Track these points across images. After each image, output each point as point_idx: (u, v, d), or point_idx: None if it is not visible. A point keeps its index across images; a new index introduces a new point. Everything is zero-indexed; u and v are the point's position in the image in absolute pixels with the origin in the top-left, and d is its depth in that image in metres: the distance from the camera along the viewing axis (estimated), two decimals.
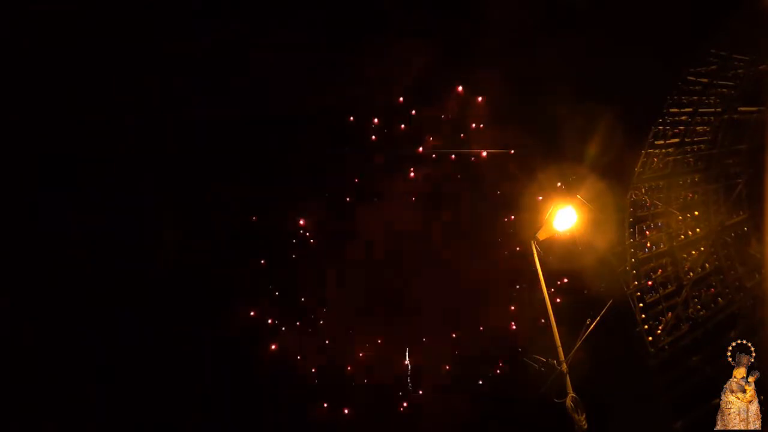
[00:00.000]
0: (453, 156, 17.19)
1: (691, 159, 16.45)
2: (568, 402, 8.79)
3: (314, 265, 17.01)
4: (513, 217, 17.20)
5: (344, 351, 16.65)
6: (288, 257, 16.98)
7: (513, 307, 17.11)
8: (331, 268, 16.99)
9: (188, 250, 15.41)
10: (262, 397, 16.04)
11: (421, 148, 17.07)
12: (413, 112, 16.89)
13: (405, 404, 16.92)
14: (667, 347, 15.82)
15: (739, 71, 15.47)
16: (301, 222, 16.90)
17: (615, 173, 15.83)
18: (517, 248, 16.89)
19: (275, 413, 15.96)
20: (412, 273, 16.97)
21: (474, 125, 16.96)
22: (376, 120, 16.85)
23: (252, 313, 16.38)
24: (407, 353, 17.11)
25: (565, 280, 16.29)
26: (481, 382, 17.00)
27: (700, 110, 15.96)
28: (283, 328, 16.64)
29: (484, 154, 17.04)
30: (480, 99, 16.78)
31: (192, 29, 14.99)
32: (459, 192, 17.44)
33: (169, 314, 15.15)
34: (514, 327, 16.97)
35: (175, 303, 15.25)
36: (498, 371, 17.00)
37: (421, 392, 17.00)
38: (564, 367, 9.06)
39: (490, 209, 17.23)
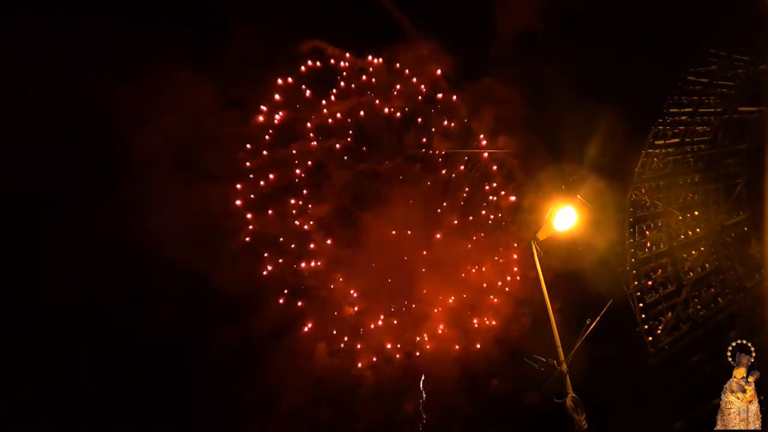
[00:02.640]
0: (454, 156, 17.19)
1: (691, 159, 16.47)
2: (568, 402, 8.78)
3: (320, 266, 16.98)
4: (514, 216, 17.21)
5: (350, 352, 16.64)
6: (299, 258, 16.94)
7: (513, 307, 17.11)
8: (337, 268, 16.97)
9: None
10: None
11: (423, 150, 17.08)
12: (416, 114, 16.90)
13: (408, 404, 16.95)
14: (667, 347, 15.84)
15: (739, 71, 15.50)
16: (311, 223, 16.87)
17: (615, 173, 15.86)
18: (517, 248, 16.91)
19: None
20: (414, 273, 16.99)
21: (477, 127, 16.98)
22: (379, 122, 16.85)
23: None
24: (410, 354, 17.12)
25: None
26: (482, 382, 17.01)
27: (700, 110, 15.98)
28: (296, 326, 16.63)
29: (486, 154, 17.04)
30: (481, 100, 16.79)
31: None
32: (460, 191, 17.45)
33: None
34: (514, 327, 16.97)
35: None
36: (499, 371, 17.00)
37: (423, 392, 17.02)
38: (564, 367, 9.05)
39: (491, 209, 17.24)
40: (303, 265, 16.63)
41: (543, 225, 10.10)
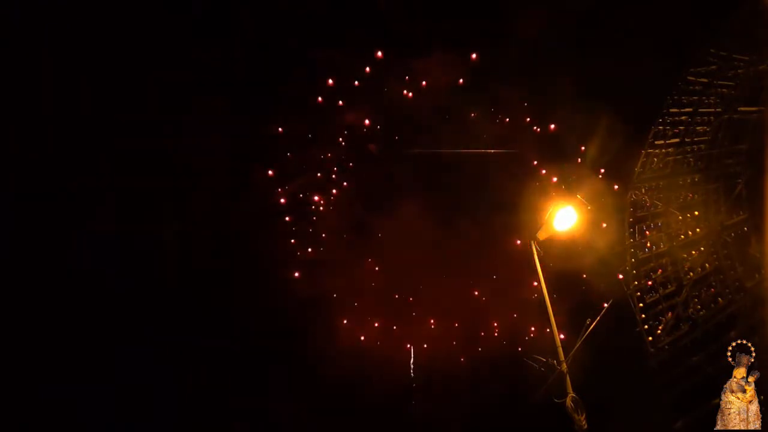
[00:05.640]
0: (454, 156, 17.17)
1: (691, 159, 16.47)
2: (568, 402, 8.80)
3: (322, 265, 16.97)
4: (513, 216, 17.19)
5: (351, 355, 16.63)
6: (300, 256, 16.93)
7: (513, 307, 17.11)
8: (339, 269, 16.97)
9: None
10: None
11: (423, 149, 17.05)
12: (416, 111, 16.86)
13: (409, 405, 16.96)
14: (667, 347, 15.84)
15: (739, 71, 15.48)
16: (312, 222, 16.88)
17: (615, 173, 15.87)
18: (517, 247, 16.90)
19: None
20: (415, 274, 16.99)
21: (477, 125, 16.95)
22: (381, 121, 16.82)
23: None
24: (412, 354, 17.13)
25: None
26: (482, 382, 17.00)
27: (700, 110, 15.97)
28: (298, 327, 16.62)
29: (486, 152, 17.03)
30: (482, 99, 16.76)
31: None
32: (460, 191, 17.44)
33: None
34: (514, 327, 16.97)
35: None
36: (499, 371, 16.99)
37: (424, 393, 17.03)
38: (564, 367, 9.07)
39: (491, 209, 17.22)
40: None
41: (543, 225, 10.12)
